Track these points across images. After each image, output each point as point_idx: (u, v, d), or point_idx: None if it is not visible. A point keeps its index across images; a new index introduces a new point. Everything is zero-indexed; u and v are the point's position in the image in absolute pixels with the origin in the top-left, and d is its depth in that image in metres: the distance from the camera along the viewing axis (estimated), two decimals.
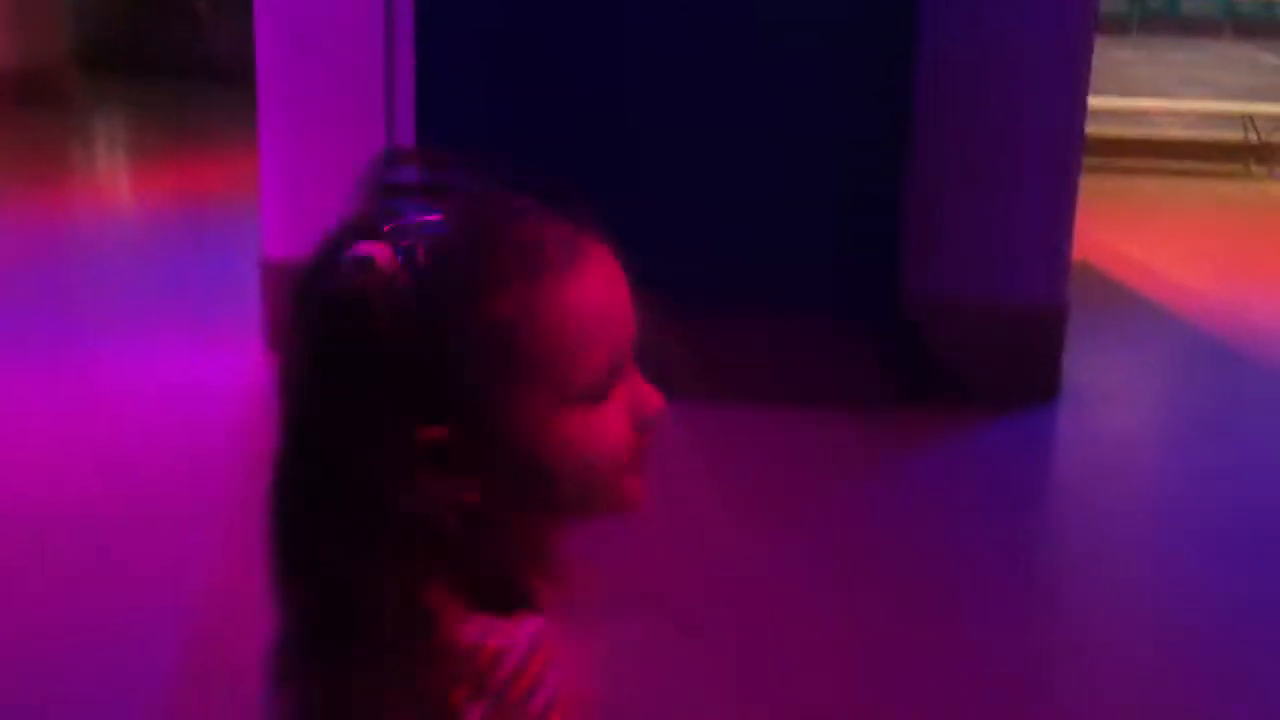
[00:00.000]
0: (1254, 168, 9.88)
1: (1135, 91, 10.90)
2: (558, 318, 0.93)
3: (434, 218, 0.95)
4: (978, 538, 3.86)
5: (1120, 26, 15.41)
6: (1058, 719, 3.04)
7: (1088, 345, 5.09)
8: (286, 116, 4.91)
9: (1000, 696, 3.09)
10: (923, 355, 4.71)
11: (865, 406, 4.55)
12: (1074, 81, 4.76)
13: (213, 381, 4.70)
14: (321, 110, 4.87)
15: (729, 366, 4.64)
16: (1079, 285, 5.04)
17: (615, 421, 0.98)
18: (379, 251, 0.92)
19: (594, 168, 4.71)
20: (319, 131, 4.84)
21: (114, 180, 9.07)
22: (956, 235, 4.75)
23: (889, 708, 3.00)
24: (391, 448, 0.92)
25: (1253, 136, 9.93)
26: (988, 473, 4.33)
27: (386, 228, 0.94)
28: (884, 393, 4.61)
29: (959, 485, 4.24)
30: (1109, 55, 9.41)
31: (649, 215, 4.68)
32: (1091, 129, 5.06)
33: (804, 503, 4.01)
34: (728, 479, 4.10)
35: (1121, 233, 7.38)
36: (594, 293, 0.95)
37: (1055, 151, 4.77)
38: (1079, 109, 4.81)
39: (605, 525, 1.01)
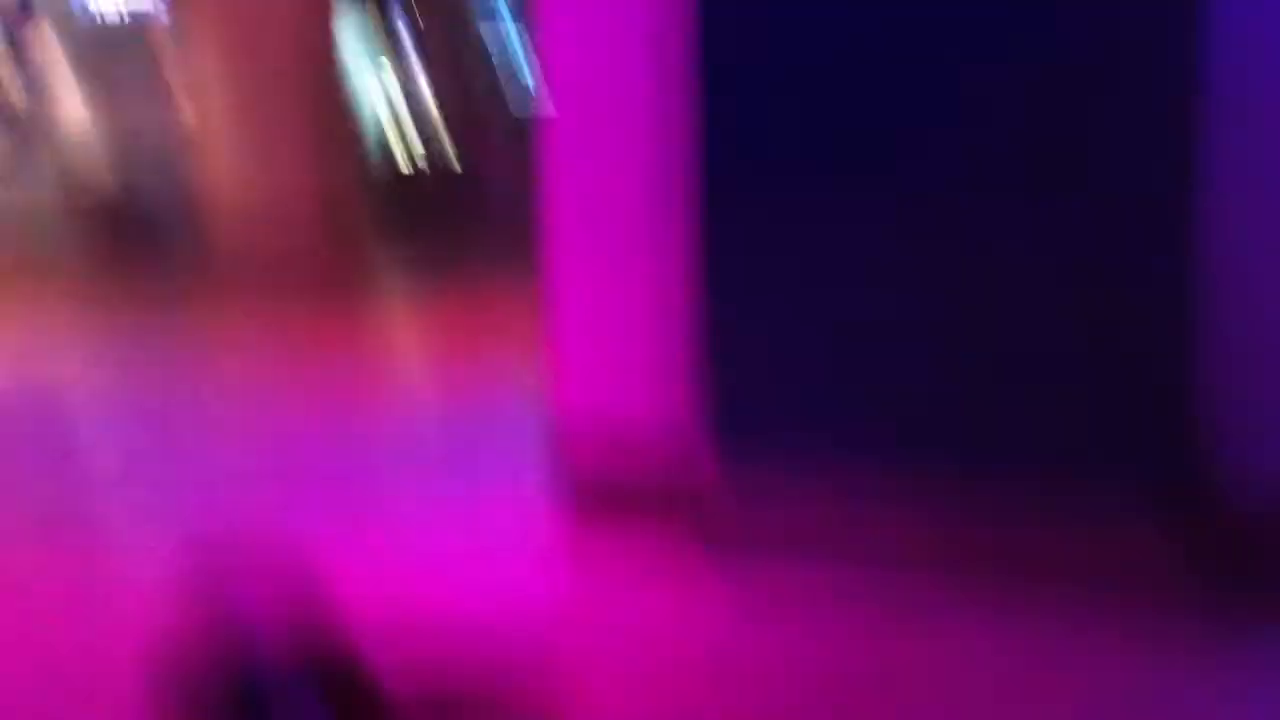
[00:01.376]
0: None
1: None
2: None
3: None
4: None
5: None
6: None
7: None
8: (579, 270, 4.92)
9: None
10: (1252, 547, 4.28)
11: (1179, 605, 4.15)
12: None
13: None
14: (612, 265, 4.84)
15: (1011, 553, 4.31)
16: None
17: None
18: None
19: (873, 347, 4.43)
20: (610, 286, 4.81)
21: (407, 372, 8.91)
22: None
23: None
24: None
25: None
26: None
27: None
28: (1204, 592, 4.21)
29: None
30: None
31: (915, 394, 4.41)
32: None
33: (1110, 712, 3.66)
34: (1035, 684, 3.80)
35: None
36: None
37: None
38: None
39: None
